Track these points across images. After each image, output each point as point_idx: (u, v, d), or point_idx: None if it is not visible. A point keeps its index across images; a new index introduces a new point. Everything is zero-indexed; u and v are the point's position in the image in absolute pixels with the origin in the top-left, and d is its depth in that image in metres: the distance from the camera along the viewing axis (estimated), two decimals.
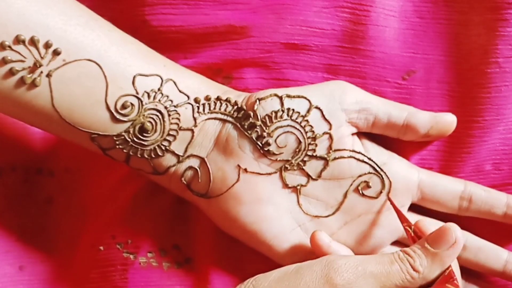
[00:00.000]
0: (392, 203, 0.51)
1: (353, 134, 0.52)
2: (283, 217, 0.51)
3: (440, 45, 0.55)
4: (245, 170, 0.51)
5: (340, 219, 0.52)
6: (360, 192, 0.52)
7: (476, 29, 0.54)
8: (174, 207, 0.56)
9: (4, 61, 0.45)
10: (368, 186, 0.52)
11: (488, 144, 0.54)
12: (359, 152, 0.52)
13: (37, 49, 0.46)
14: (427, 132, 0.52)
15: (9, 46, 0.45)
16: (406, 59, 0.55)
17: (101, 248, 0.54)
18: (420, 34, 0.55)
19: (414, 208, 0.53)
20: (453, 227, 0.46)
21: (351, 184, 0.52)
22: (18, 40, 0.45)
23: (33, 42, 0.45)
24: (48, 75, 0.46)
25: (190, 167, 0.51)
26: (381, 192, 0.52)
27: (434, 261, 0.46)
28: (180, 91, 0.50)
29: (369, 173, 0.52)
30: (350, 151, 0.52)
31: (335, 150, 0.51)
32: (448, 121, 0.53)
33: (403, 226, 0.50)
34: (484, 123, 0.54)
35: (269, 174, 0.51)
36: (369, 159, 0.52)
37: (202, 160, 0.51)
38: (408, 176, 0.52)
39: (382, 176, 0.52)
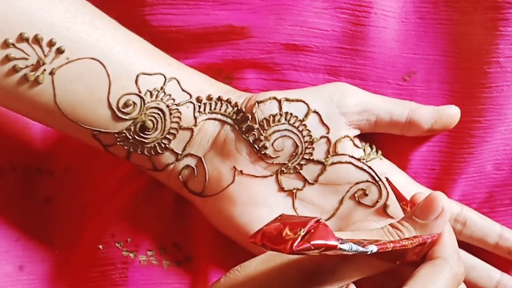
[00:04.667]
0: (390, 183, 0.52)
1: (355, 136, 0.54)
2: None
3: (441, 46, 0.57)
4: (241, 172, 0.53)
5: (335, 226, 0.53)
6: (357, 199, 0.54)
7: (476, 29, 0.56)
8: (173, 206, 0.58)
9: (8, 59, 0.47)
10: (365, 194, 0.54)
11: (490, 144, 0.55)
12: (358, 159, 0.53)
13: (41, 47, 0.48)
14: (431, 127, 0.54)
15: (13, 44, 0.47)
16: (406, 60, 0.57)
17: (101, 247, 0.56)
18: (420, 34, 0.57)
19: None
20: (439, 196, 0.46)
21: (348, 191, 0.54)
22: (21, 38, 0.47)
23: (36, 40, 0.47)
24: (51, 73, 0.48)
25: (187, 166, 0.53)
26: (377, 201, 0.54)
27: (423, 233, 0.46)
28: (183, 90, 0.52)
29: (367, 181, 0.54)
30: (349, 156, 0.53)
31: (334, 155, 0.53)
32: (452, 113, 0.55)
33: (400, 205, 0.50)
34: (486, 123, 0.55)
35: (265, 177, 0.53)
36: (369, 167, 0.54)
37: (199, 160, 0.53)
38: (406, 189, 0.52)
39: (380, 185, 0.54)
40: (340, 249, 0.38)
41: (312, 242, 0.37)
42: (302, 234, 0.37)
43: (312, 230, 0.38)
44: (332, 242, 0.38)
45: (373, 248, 0.41)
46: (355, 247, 0.39)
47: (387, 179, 0.53)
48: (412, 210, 0.47)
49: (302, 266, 0.43)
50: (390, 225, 0.47)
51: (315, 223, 0.38)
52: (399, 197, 0.51)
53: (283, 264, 0.44)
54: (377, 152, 0.55)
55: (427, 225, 0.46)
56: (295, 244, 0.37)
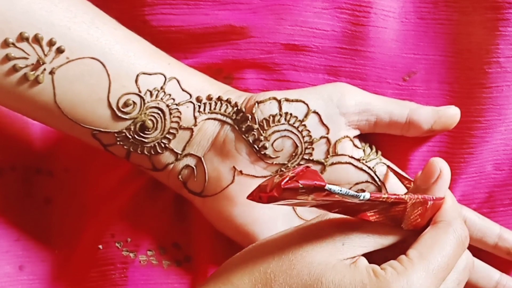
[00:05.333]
0: (389, 168, 0.53)
1: (355, 137, 0.54)
2: (277, 220, 0.53)
3: (441, 46, 0.57)
4: (240, 172, 0.53)
5: None
6: None
7: (476, 29, 0.56)
8: (173, 206, 0.58)
9: (8, 58, 0.47)
10: None
11: (490, 144, 0.56)
12: (358, 159, 0.54)
13: (41, 46, 0.48)
14: (431, 128, 0.54)
15: (13, 43, 0.47)
16: (406, 60, 0.57)
17: (100, 247, 0.56)
18: (420, 34, 0.57)
19: None
20: (436, 160, 0.47)
21: None
22: (21, 38, 0.47)
23: (36, 39, 0.48)
24: (51, 72, 0.49)
25: (187, 166, 0.54)
26: None
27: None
28: (183, 90, 0.52)
29: (367, 181, 0.54)
30: (349, 157, 0.53)
31: (333, 155, 0.53)
32: (451, 114, 0.55)
33: (403, 185, 0.51)
34: (486, 123, 0.55)
35: (265, 177, 0.53)
36: (369, 167, 0.54)
37: (199, 160, 0.53)
38: (405, 190, 0.53)
39: (379, 186, 0.54)
40: (329, 189, 0.39)
41: (300, 181, 0.38)
42: (291, 175, 0.38)
43: (301, 173, 0.39)
44: (320, 182, 0.38)
45: (366, 195, 0.41)
46: (345, 190, 0.40)
47: (388, 166, 0.54)
48: (415, 180, 0.48)
49: (312, 236, 0.44)
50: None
51: (304, 168, 0.39)
52: (400, 177, 0.52)
53: (295, 235, 0.45)
54: (377, 152, 0.55)
55: (428, 190, 0.47)
56: (283, 182, 0.38)
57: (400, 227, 0.45)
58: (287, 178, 0.38)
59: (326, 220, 0.45)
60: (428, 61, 0.57)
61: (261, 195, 0.39)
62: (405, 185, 0.51)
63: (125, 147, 0.52)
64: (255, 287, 0.43)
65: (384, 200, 0.43)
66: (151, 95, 0.51)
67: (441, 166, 0.47)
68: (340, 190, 0.40)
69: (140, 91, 0.51)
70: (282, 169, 0.54)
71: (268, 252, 0.44)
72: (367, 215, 0.43)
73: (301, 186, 0.38)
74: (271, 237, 0.46)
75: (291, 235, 0.45)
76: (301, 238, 0.45)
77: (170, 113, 0.52)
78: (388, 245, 0.46)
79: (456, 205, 0.48)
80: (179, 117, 0.52)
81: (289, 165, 0.53)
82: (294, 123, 0.53)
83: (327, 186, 0.39)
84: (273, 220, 0.53)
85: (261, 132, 0.53)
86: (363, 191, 0.52)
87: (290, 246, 0.44)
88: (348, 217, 0.44)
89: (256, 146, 0.53)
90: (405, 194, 0.46)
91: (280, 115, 0.53)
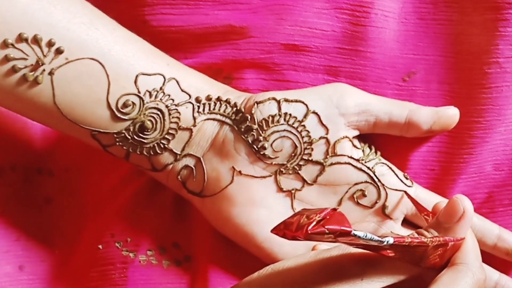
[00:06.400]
0: (408, 196, 0.53)
1: (354, 137, 0.54)
2: (276, 220, 0.51)
3: (441, 46, 0.57)
4: (240, 172, 0.53)
5: None
6: (355, 200, 0.54)
7: (476, 29, 0.56)
8: (173, 206, 0.58)
9: (7, 59, 0.47)
10: (364, 195, 0.54)
11: (490, 144, 0.56)
12: (357, 160, 0.54)
13: (40, 47, 0.48)
14: (430, 128, 0.54)
15: (12, 44, 0.47)
16: (406, 60, 0.57)
17: (100, 247, 0.56)
18: (420, 35, 0.57)
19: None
20: (460, 198, 0.47)
21: (347, 192, 0.54)
22: (21, 38, 0.47)
23: (36, 40, 0.48)
24: (51, 73, 0.48)
25: (186, 166, 0.54)
26: (376, 202, 0.54)
27: (448, 236, 0.46)
28: (182, 90, 0.52)
29: (366, 182, 0.54)
30: (348, 157, 0.53)
31: (333, 156, 0.53)
32: (451, 114, 0.55)
33: (422, 216, 0.51)
34: (485, 124, 0.55)
35: (264, 177, 0.53)
36: (368, 168, 0.54)
37: (198, 160, 0.53)
38: (402, 187, 0.54)
39: (378, 186, 0.54)
40: (355, 235, 0.39)
41: (326, 226, 0.38)
42: (318, 219, 0.38)
43: (328, 217, 0.39)
44: (347, 228, 0.39)
45: (390, 240, 0.41)
46: (370, 235, 0.40)
47: (405, 192, 0.53)
48: (437, 216, 0.48)
49: (332, 270, 0.44)
50: (416, 231, 0.47)
51: (331, 210, 0.40)
52: (420, 208, 0.52)
53: (315, 267, 0.45)
54: (376, 153, 0.55)
55: (451, 228, 0.46)
56: (310, 227, 0.38)
57: (418, 264, 0.46)
58: (314, 222, 0.38)
59: (347, 254, 0.45)
60: (428, 61, 0.57)
61: (285, 232, 0.39)
62: (423, 216, 0.51)
63: (124, 147, 0.52)
64: None
65: (407, 244, 0.43)
66: (150, 95, 0.51)
67: (464, 205, 0.47)
68: (365, 236, 0.40)
69: (139, 92, 0.51)
70: (282, 169, 0.53)
71: (288, 281, 0.44)
72: (387, 252, 0.44)
73: (327, 232, 0.38)
74: (290, 264, 0.46)
75: (311, 266, 0.45)
76: (321, 270, 0.45)
77: (169, 114, 0.52)
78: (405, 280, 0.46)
79: (476, 247, 0.48)
80: (178, 118, 0.52)
81: (288, 165, 0.53)
82: (293, 124, 0.53)
83: (353, 232, 0.39)
84: (272, 220, 0.52)
85: (260, 132, 0.53)
86: (362, 191, 0.53)
87: (310, 277, 0.44)
88: (368, 251, 0.45)
89: (255, 146, 0.53)
90: (425, 231, 0.47)
91: (279, 115, 0.53)
